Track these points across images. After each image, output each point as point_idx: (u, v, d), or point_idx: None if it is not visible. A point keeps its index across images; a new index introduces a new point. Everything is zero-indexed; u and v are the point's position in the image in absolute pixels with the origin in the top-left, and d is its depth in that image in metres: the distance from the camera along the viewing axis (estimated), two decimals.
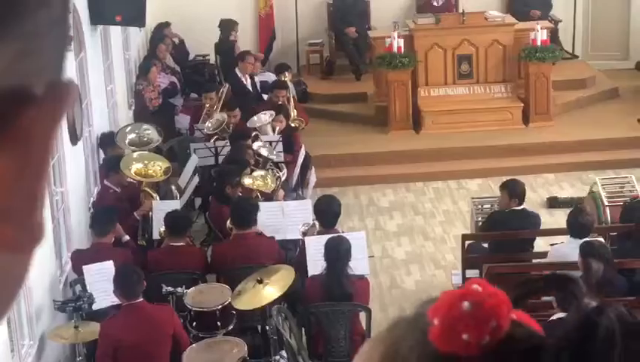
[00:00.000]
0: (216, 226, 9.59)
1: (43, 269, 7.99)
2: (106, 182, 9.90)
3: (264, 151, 10.61)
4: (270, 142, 11.01)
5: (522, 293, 1.07)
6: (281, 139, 11.23)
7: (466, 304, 1.00)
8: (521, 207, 9.18)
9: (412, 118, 13.83)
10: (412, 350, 1.03)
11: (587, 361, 0.98)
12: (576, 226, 8.38)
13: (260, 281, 7.60)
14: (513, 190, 9.20)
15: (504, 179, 9.78)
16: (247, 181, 9.78)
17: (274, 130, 11.60)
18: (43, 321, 7.83)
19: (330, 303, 7.74)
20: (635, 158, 12.55)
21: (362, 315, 7.91)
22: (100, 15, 11.00)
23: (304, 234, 8.85)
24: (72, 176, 9.35)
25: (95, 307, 7.70)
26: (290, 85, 13.49)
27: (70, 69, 9.65)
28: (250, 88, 13.80)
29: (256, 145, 10.70)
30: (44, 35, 0.77)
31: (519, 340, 1.01)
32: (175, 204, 9.55)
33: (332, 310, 7.74)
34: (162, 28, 15.21)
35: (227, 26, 15.21)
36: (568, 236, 8.44)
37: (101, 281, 7.81)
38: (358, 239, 8.44)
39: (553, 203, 11.90)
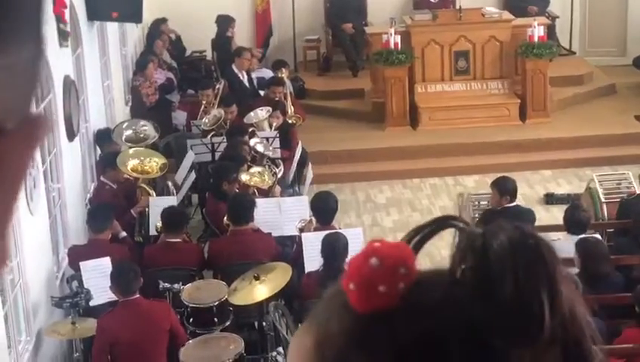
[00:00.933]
0: (213, 222, 9.59)
1: (40, 265, 7.99)
2: (102, 179, 9.89)
3: (260, 148, 10.61)
4: (267, 139, 11.01)
5: (418, 238, 1.15)
6: (277, 135, 11.23)
7: (373, 260, 1.07)
8: (514, 203, 9.18)
9: (409, 114, 13.83)
10: (340, 324, 1.07)
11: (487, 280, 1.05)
12: (573, 222, 8.39)
13: (257, 278, 7.60)
14: (503, 187, 9.21)
15: (501, 175, 9.78)
16: (244, 177, 9.78)
17: (271, 127, 11.60)
18: (40, 317, 7.82)
19: None
20: (632, 155, 12.56)
21: None
22: (96, 11, 11.00)
23: (301, 230, 8.85)
24: (68, 172, 9.35)
25: (92, 303, 7.70)
26: (287, 81, 13.48)
27: (67, 65, 9.65)
28: (247, 84, 13.79)
29: (252, 142, 10.70)
30: (22, 71, 0.79)
31: (430, 279, 1.09)
32: (171, 200, 9.55)
33: None
34: (159, 24, 15.20)
35: (224, 22, 15.20)
36: (565, 232, 8.45)
37: (98, 277, 7.81)
38: (355, 235, 8.43)
39: (550, 199, 11.90)
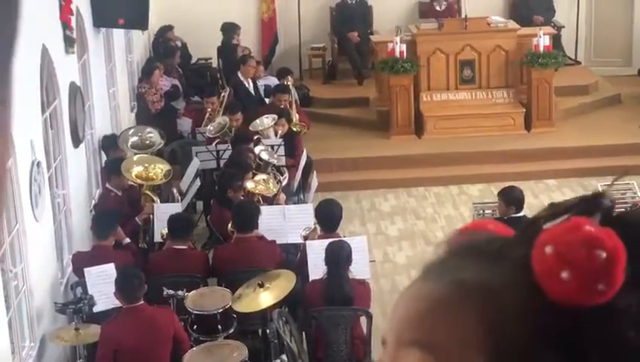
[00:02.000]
0: (218, 230, 9.59)
1: (44, 271, 8.00)
2: (107, 185, 9.90)
3: (265, 155, 10.61)
4: (272, 146, 11.01)
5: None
6: (282, 142, 11.23)
7: (599, 252, 1.00)
8: (520, 214, 9.14)
9: (414, 122, 13.83)
10: (526, 308, 0.99)
11: None
12: None
13: (261, 285, 7.60)
14: (509, 197, 9.18)
15: (506, 184, 9.77)
16: (249, 185, 9.78)
17: (276, 134, 11.61)
18: (44, 323, 7.83)
19: (331, 307, 7.73)
20: (637, 165, 12.52)
21: (363, 320, 7.90)
22: (102, 18, 11.02)
23: (305, 238, 8.84)
24: (73, 178, 9.36)
25: (96, 309, 7.71)
26: (292, 89, 13.49)
27: (73, 71, 9.67)
28: (253, 92, 13.81)
29: (257, 149, 10.70)
30: None
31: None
32: (176, 207, 9.55)
33: (333, 314, 7.74)
34: (165, 31, 15.24)
35: (229, 30, 15.22)
36: None
37: (102, 284, 7.81)
38: (360, 243, 8.43)
39: None
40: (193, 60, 15.79)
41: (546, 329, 0.99)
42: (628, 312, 0.99)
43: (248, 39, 15.79)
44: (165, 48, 14.93)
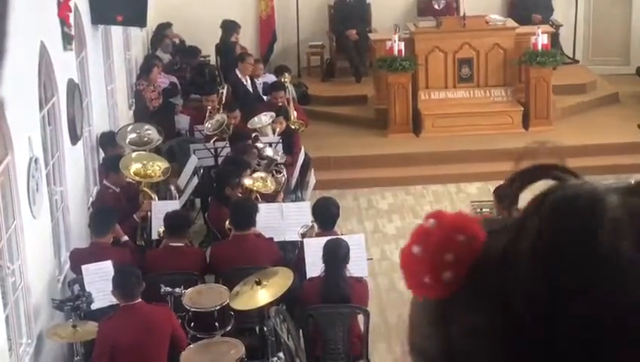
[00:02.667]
0: (215, 227, 9.59)
1: (42, 268, 8.00)
2: (105, 182, 9.90)
3: (269, 151, 10.61)
4: (270, 144, 11.01)
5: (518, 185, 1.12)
6: (280, 140, 11.24)
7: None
8: None
9: (412, 121, 13.84)
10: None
11: None
12: None
13: (259, 283, 7.60)
14: (500, 196, 9.20)
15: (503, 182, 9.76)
16: (247, 182, 9.78)
17: (274, 132, 11.61)
18: (41, 320, 7.83)
19: (328, 305, 7.74)
20: (636, 163, 12.55)
21: (360, 318, 7.91)
22: (101, 15, 11.02)
23: (303, 235, 8.85)
24: (71, 175, 9.36)
25: (93, 307, 7.70)
26: (290, 87, 13.49)
27: (71, 68, 9.66)
28: (251, 89, 13.81)
29: (260, 145, 10.72)
30: None
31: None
32: (174, 205, 9.55)
33: (330, 312, 7.74)
34: (163, 28, 15.23)
35: (229, 28, 15.22)
36: None
37: (99, 281, 7.81)
38: (357, 241, 8.43)
39: None
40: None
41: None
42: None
43: (247, 37, 15.79)
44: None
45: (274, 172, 10.55)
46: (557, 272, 0.98)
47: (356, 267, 8.07)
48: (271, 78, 14.28)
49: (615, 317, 0.96)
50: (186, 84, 14.23)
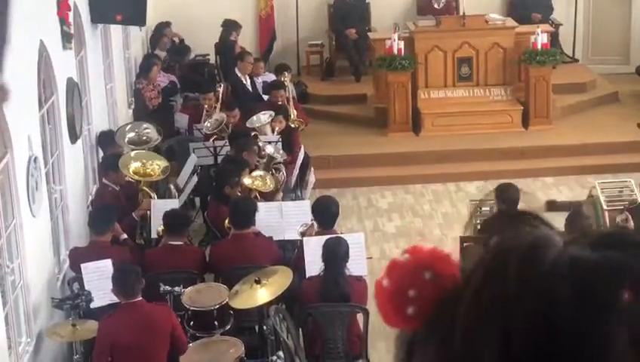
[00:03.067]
0: (215, 226, 9.59)
1: (41, 267, 8.00)
2: (104, 181, 9.89)
3: (269, 149, 10.61)
4: (269, 143, 11.01)
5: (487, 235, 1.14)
6: (280, 139, 11.23)
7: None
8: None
9: (411, 120, 13.84)
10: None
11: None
12: (574, 229, 8.35)
13: (258, 281, 7.60)
14: (499, 195, 9.22)
15: (503, 181, 9.77)
16: (246, 181, 9.78)
17: (273, 131, 11.60)
18: (41, 319, 7.82)
19: (327, 304, 7.73)
20: (635, 163, 12.55)
21: (360, 316, 7.90)
22: (100, 14, 11.01)
23: (302, 234, 8.84)
24: (70, 174, 9.35)
25: (93, 305, 7.70)
26: (290, 85, 13.49)
27: (70, 67, 9.66)
28: (250, 88, 13.80)
29: (262, 143, 10.72)
30: None
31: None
32: (173, 203, 9.55)
33: (330, 311, 7.74)
34: (162, 27, 15.22)
35: (230, 27, 15.20)
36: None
37: (99, 279, 7.80)
38: (357, 240, 8.43)
39: (551, 206, 11.88)
40: (191, 56, 15.76)
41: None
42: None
43: (246, 36, 15.78)
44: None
45: (273, 170, 10.55)
46: (497, 316, 1.04)
47: (356, 266, 8.07)
48: (271, 76, 14.28)
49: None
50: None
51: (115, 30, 12.44)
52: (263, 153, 10.62)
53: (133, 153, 10.13)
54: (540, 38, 13.49)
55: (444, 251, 1.13)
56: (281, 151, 10.87)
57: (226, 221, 9.02)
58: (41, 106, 8.50)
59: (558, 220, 10.40)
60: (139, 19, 11.67)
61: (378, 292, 1.15)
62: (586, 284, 1.03)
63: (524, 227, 1.15)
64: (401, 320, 1.12)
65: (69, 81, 9.43)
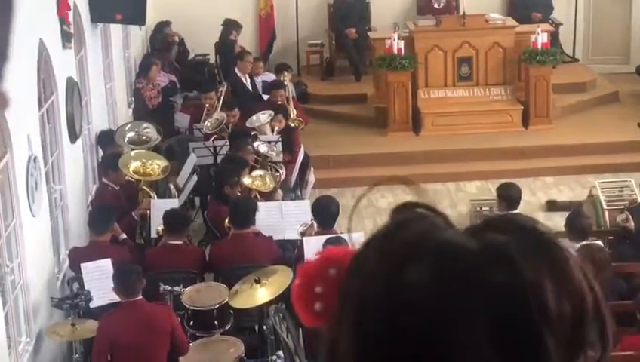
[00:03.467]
0: (215, 226, 9.58)
1: (41, 266, 7.99)
2: (104, 180, 9.89)
3: (263, 148, 10.60)
4: (269, 142, 11.00)
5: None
6: (280, 139, 11.22)
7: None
8: (515, 211, 9.13)
9: (411, 119, 13.82)
10: None
11: None
12: (575, 229, 8.37)
13: (258, 281, 7.59)
14: (500, 193, 9.24)
15: (503, 181, 9.77)
16: (246, 181, 9.77)
17: (273, 130, 11.59)
18: (40, 318, 7.82)
19: None
20: (635, 162, 12.55)
21: None
22: (100, 13, 11.00)
23: (302, 234, 8.84)
24: (70, 173, 9.34)
25: (92, 305, 7.69)
26: (290, 85, 13.48)
27: (70, 67, 9.65)
28: (250, 88, 13.80)
29: (256, 143, 10.71)
30: None
31: None
32: (173, 203, 9.54)
33: None
34: (162, 27, 15.22)
35: (230, 26, 15.19)
36: (566, 239, 8.42)
37: (98, 279, 7.79)
38: (356, 240, 8.40)
39: (552, 206, 11.88)
40: (191, 56, 15.76)
41: None
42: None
43: (246, 35, 15.77)
44: (161, 42, 14.95)
45: (270, 169, 10.53)
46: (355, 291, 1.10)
47: None
48: (270, 76, 14.27)
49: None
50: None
51: (115, 29, 12.43)
52: (260, 152, 10.61)
53: (133, 152, 10.12)
54: (540, 37, 13.48)
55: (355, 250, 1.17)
56: (275, 149, 10.83)
57: (226, 221, 9.01)
58: (40, 106, 8.50)
59: (559, 220, 10.40)
60: (139, 18, 11.66)
61: (292, 293, 1.20)
62: (440, 265, 1.06)
63: (410, 214, 1.21)
64: (310, 316, 1.16)
65: (69, 80, 9.43)
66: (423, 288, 1.05)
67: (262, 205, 9.10)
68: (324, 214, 8.77)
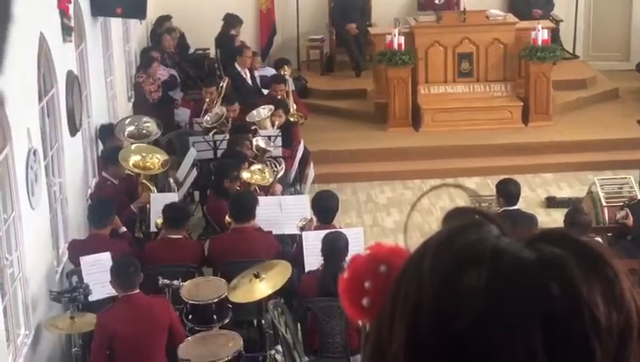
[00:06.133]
0: (214, 220, 9.58)
1: (40, 259, 7.99)
2: (104, 174, 9.89)
3: (262, 143, 10.60)
4: (269, 137, 11.00)
5: None
6: (280, 133, 11.22)
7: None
8: (515, 207, 9.14)
9: (411, 115, 13.83)
10: None
11: None
12: (574, 226, 8.37)
13: (257, 276, 7.60)
14: (499, 189, 9.26)
15: (502, 177, 9.78)
16: (245, 175, 9.77)
17: (273, 125, 11.59)
18: (39, 311, 7.82)
19: (326, 298, 7.73)
20: (634, 159, 12.52)
21: None
22: (100, 7, 11.00)
23: (302, 229, 8.84)
24: (70, 167, 9.35)
25: (91, 298, 7.70)
26: (290, 79, 13.47)
27: (70, 60, 9.65)
28: (250, 82, 13.79)
29: (254, 138, 10.71)
30: None
31: None
32: (173, 197, 9.54)
33: (328, 305, 7.73)
34: (163, 21, 15.20)
35: (231, 22, 15.18)
36: None
37: (98, 272, 7.80)
38: (356, 235, 8.43)
39: (551, 202, 11.89)
40: (191, 51, 15.75)
41: None
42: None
43: (247, 30, 15.76)
44: (159, 35, 14.94)
45: (270, 163, 10.53)
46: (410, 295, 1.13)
47: None
48: (269, 70, 14.28)
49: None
50: None
51: (116, 23, 12.42)
52: (258, 146, 10.61)
53: (133, 146, 10.12)
54: (541, 34, 13.48)
55: (404, 248, 1.22)
56: (272, 144, 10.82)
57: (226, 216, 9.01)
58: (40, 99, 8.50)
59: (558, 216, 10.41)
60: (139, 12, 11.65)
61: (340, 286, 1.22)
62: (497, 272, 1.09)
63: (466, 220, 1.21)
64: (357, 311, 1.18)
65: (69, 73, 9.42)
66: (479, 294, 1.09)
67: (261, 200, 9.09)
68: (324, 209, 8.77)
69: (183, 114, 13.30)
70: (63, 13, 9.27)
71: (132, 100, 13.39)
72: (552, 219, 11.04)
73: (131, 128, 10.80)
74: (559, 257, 1.11)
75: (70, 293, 7.59)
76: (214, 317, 7.80)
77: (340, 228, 8.77)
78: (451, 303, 1.08)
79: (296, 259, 8.38)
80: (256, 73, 14.10)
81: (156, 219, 9.12)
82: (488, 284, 1.09)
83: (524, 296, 1.08)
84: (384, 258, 1.19)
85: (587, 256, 1.13)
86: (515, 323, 1.07)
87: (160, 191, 10.00)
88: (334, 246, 7.75)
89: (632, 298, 1.13)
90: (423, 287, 1.11)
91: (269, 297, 7.67)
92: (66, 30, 9.35)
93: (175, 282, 7.89)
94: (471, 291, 1.09)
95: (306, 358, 7.60)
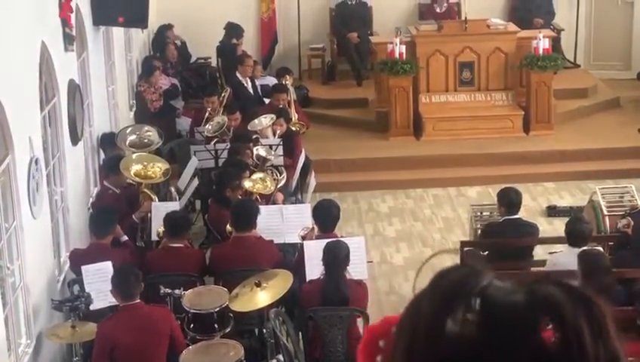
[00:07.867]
0: (216, 229, 9.58)
1: (41, 268, 7.99)
2: (105, 183, 9.89)
3: (262, 152, 10.61)
4: (270, 146, 11.01)
5: None
6: (281, 142, 11.23)
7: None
8: (516, 216, 9.14)
9: (413, 124, 13.83)
10: None
11: None
12: (575, 235, 8.37)
13: (258, 284, 7.59)
14: (500, 198, 9.25)
15: (504, 186, 9.78)
16: (247, 184, 9.78)
17: (274, 134, 11.60)
18: (40, 320, 7.82)
19: (327, 307, 7.73)
20: (635, 168, 12.55)
21: (360, 320, 7.90)
22: (102, 16, 11.01)
23: (303, 238, 8.84)
24: (71, 175, 9.35)
25: (92, 307, 7.69)
26: (291, 89, 13.49)
27: (72, 69, 9.66)
28: (251, 91, 13.81)
29: (255, 147, 10.72)
30: None
31: None
32: (174, 206, 9.54)
33: (330, 314, 7.74)
34: (165, 30, 15.23)
35: (232, 31, 15.20)
36: (567, 244, 8.43)
37: (99, 282, 7.80)
38: (357, 244, 8.43)
39: (552, 211, 11.89)
40: (192, 60, 15.78)
41: None
42: None
43: (248, 39, 15.78)
44: (162, 45, 14.96)
45: (271, 172, 10.53)
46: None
47: (356, 270, 8.07)
48: (270, 80, 14.30)
49: None
50: None
51: (117, 32, 12.44)
52: (259, 155, 10.62)
53: (134, 155, 10.12)
54: (542, 43, 13.50)
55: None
56: (274, 153, 10.84)
57: (228, 225, 9.01)
58: (42, 108, 8.50)
59: (559, 225, 10.41)
60: (141, 21, 11.66)
61: (359, 346, 1.41)
62: (485, 316, 1.16)
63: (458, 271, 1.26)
64: None
65: (71, 82, 9.44)
66: (469, 340, 1.14)
67: (263, 209, 9.09)
68: (325, 218, 8.77)
69: (184, 123, 13.32)
70: (65, 22, 9.29)
71: (134, 109, 13.41)
72: (554, 228, 11.04)
73: (133, 137, 10.81)
74: (551, 294, 1.17)
75: (71, 302, 7.59)
76: (216, 326, 7.79)
77: (342, 237, 8.76)
78: (441, 350, 1.14)
79: (297, 267, 8.38)
80: (258, 82, 14.12)
81: (157, 228, 9.12)
82: (478, 330, 1.14)
83: (514, 341, 1.13)
84: (396, 321, 1.27)
85: (577, 296, 1.18)
86: (507, 357, 1.12)
87: (161, 200, 10.00)
88: (335, 256, 7.75)
89: (617, 338, 1.20)
90: (417, 333, 1.17)
91: (271, 306, 7.67)
92: (68, 39, 9.36)
93: (176, 291, 7.89)
94: (459, 338, 1.14)
95: None
